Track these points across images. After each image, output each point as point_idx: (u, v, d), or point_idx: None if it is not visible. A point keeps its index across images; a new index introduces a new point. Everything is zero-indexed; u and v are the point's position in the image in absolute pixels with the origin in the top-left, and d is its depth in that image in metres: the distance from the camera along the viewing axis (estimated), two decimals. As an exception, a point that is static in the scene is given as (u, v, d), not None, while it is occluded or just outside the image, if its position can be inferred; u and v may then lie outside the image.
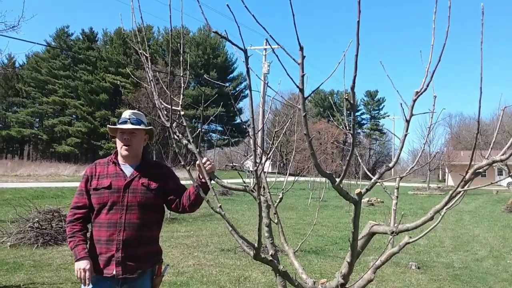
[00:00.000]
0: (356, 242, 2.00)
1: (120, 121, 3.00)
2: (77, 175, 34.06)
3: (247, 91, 1.77)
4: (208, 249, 9.03)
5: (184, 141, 2.39)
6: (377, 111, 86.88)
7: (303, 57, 1.45)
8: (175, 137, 2.34)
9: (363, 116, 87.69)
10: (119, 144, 2.98)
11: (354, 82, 1.35)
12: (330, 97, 74.83)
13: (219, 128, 64.73)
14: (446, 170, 50.53)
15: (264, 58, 30.37)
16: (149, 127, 3.06)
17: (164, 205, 3.07)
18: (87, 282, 2.73)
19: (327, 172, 1.62)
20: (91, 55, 58.89)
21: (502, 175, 44.53)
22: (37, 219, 8.97)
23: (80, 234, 2.86)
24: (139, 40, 2.52)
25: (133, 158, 3.02)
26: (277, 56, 1.45)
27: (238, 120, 67.05)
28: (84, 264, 2.74)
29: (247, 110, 62.62)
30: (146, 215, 2.90)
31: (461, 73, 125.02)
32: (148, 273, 2.94)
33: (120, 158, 3.03)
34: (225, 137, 61.14)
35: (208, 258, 8.15)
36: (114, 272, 2.79)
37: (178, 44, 2.67)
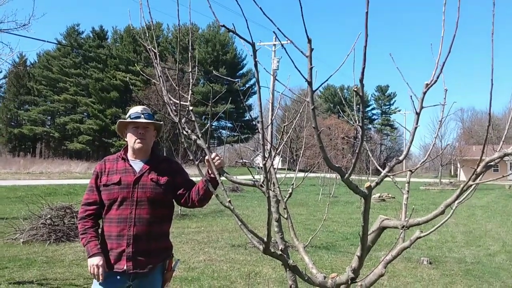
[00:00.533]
0: (366, 236, 1.99)
1: (132, 116, 3.01)
2: (89, 172, 34.32)
3: (257, 88, 1.77)
4: (219, 244, 9.05)
5: (193, 137, 2.39)
6: (388, 106, 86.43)
7: (311, 49, 1.44)
8: (184, 132, 2.35)
9: (374, 111, 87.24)
10: (132, 138, 2.99)
11: (362, 74, 1.34)
12: (340, 92, 74.51)
13: (229, 125, 64.87)
14: (458, 165, 50.16)
15: (274, 54, 30.32)
16: (160, 122, 3.10)
17: (174, 200, 3.08)
18: (100, 278, 2.76)
19: (336, 165, 1.61)
20: (101, 53, 59.23)
21: (515, 169, 44.01)
22: (49, 216, 9.07)
23: (92, 231, 2.88)
24: (147, 36, 2.53)
25: (144, 153, 3.03)
26: (285, 49, 1.45)
27: (248, 117, 67.12)
28: (97, 260, 2.76)
29: (257, 107, 62.54)
30: (156, 210, 2.91)
31: (473, 68, 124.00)
32: (159, 268, 2.96)
33: (129, 154, 3.05)
34: (235, 134, 61.29)
35: (219, 253, 8.18)
36: (125, 267, 2.81)
37: (187, 41, 2.68)
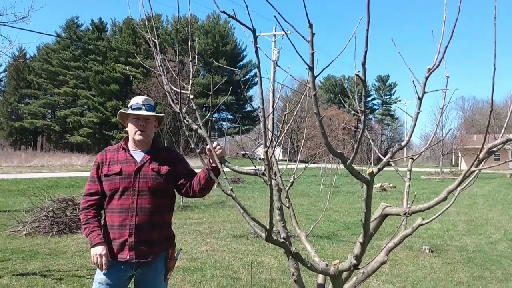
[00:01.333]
0: (368, 222, 1.99)
1: (133, 107, 3.00)
2: (90, 165, 34.17)
3: (257, 79, 1.75)
4: (221, 235, 9.08)
5: (194, 126, 2.39)
6: (389, 96, 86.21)
7: (313, 34, 1.43)
8: (185, 121, 2.34)
9: (375, 102, 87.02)
10: (132, 129, 2.99)
11: (365, 58, 1.33)
12: (342, 79, 74.25)
13: (230, 117, 64.87)
14: (459, 154, 50.15)
15: (274, 44, 30.21)
16: (161, 114, 3.10)
17: (175, 190, 3.08)
18: (104, 268, 2.78)
19: (338, 151, 1.61)
20: (101, 45, 59.02)
21: (516, 158, 43.95)
22: (51, 208, 9.09)
23: (94, 221, 2.89)
24: (147, 24, 2.51)
25: (145, 144, 3.03)
26: (286, 35, 1.43)
27: (249, 108, 67.10)
28: (100, 250, 2.77)
29: (257, 98, 62.54)
30: (157, 200, 2.92)
31: (474, 58, 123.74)
32: (162, 257, 2.98)
33: (130, 144, 3.05)
34: (236, 125, 61.27)
35: (221, 244, 8.21)
36: (128, 257, 2.83)
37: (187, 31, 2.67)
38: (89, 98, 59.49)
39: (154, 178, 2.92)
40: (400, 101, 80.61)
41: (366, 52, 1.32)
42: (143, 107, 2.98)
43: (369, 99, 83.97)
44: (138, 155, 3.00)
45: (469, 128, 60.15)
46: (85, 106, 62.41)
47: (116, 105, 57.94)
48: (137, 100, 3.04)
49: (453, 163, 63.13)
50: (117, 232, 2.86)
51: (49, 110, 65.10)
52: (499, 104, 58.19)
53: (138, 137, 2.98)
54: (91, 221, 2.88)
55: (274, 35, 29.41)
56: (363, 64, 1.34)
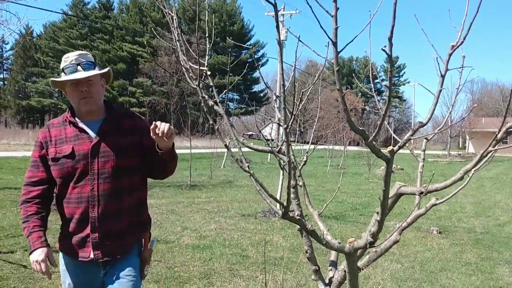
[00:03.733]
0: (386, 200, 1.99)
1: (67, 70, 2.33)
2: (98, 144, 34.39)
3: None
4: (229, 214, 9.15)
5: (211, 102, 2.38)
6: (397, 78, 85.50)
7: (337, 8, 1.40)
8: (203, 97, 2.33)
9: (383, 83, 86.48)
10: (75, 99, 2.35)
11: (392, 32, 1.31)
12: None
13: (236, 97, 64.76)
14: (467, 137, 49.90)
15: (282, 24, 29.92)
16: (106, 69, 2.49)
17: (142, 166, 2.49)
18: (46, 276, 2.32)
19: (360, 128, 1.60)
20: (107, 23, 58.77)
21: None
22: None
23: (35, 218, 2.33)
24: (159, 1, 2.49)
25: (96, 112, 2.41)
26: (308, 4, 1.40)
27: (255, 89, 66.98)
28: (37, 255, 2.26)
29: (266, 79, 62.25)
30: (124, 180, 2.36)
31: (483, 40, 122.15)
32: (135, 250, 2.46)
33: (78, 116, 2.42)
34: (242, 106, 61.20)
35: (229, 222, 8.27)
36: (92, 256, 2.32)
37: (195, 10, 2.65)
38: (96, 77, 59.53)
39: (117, 154, 2.34)
40: (408, 82, 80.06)
41: (393, 26, 1.30)
42: (79, 66, 2.31)
43: (376, 80, 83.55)
44: (92, 127, 2.37)
45: (477, 111, 59.77)
46: (92, 85, 62.51)
47: (123, 85, 57.93)
48: (69, 59, 2.34)
49: (460, 146, 62.89)
50: (76, 226, 2.33)
51: (56, 89, 65.21)
52: (509, 87, 57.64)
53: (84, 107, 2.34)
54: (32, 219, 2.33)
55: (283, 15, 29.13)
56: (390, 39, 1.32)
